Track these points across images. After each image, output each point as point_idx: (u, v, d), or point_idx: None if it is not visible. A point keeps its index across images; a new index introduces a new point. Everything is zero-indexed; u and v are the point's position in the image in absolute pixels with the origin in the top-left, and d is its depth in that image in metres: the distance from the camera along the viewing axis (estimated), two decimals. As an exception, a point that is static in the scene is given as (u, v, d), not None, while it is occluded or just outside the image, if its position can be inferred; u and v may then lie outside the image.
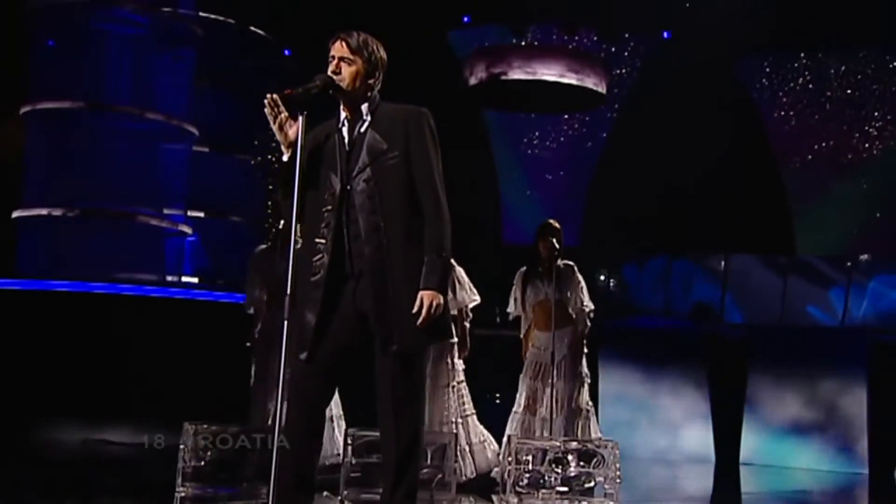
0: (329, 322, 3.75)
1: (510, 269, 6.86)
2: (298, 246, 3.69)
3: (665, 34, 14.13)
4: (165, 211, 10.59)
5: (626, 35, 14.57)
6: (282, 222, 5.90)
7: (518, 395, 6.52)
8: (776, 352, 8.89)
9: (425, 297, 3.69)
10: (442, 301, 3.70)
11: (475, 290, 6.29)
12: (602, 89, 11.98)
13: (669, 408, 8.87)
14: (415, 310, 3.67)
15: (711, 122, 13.73)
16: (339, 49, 3.85)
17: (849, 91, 14.01)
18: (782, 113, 14.47)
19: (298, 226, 3.66)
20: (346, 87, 3.82)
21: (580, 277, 6.52)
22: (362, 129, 3.87)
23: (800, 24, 13.23)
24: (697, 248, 13.49)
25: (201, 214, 11.74)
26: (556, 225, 6.55)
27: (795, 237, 14.08)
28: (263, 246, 6.35)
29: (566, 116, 15.50)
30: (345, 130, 3.89)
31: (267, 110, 3.79)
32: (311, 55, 12.48)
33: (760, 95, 14.68)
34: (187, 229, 11.07)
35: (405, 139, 3.81)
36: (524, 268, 6.61)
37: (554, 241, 6.40)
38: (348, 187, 3.81)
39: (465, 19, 13.36)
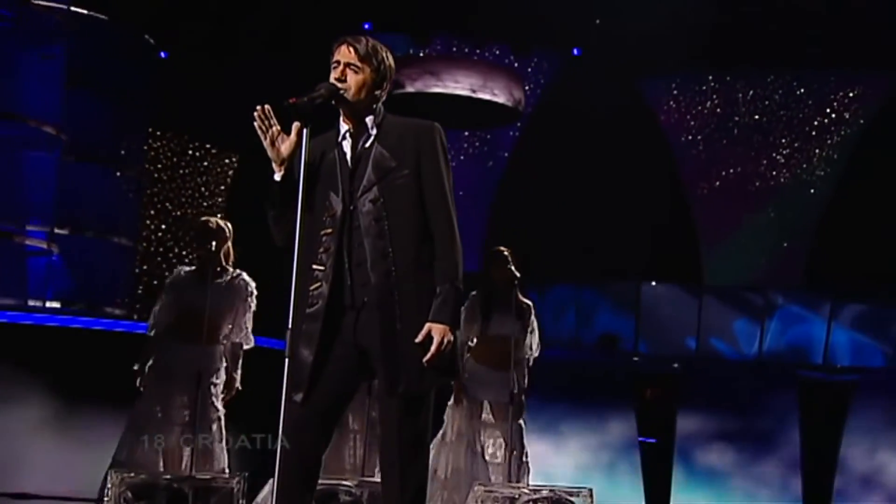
0: (327, 360, 3.53)
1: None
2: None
3: (575, 51, 13.90)
4: (29, 227, 9.79)
5: (534, 50, 14.15)
6: (214, 244, 5.69)
7: (447, 427, 6.25)
8: (701, 387, 8.76)
9: (436, 332, 3.47)
10: (452, 337, 3.50)
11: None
12: (516, 104, 11.50)
13: (593, 442, 8.59)
14: (419, 340, 3.46)
15: (619, 145, 13.62)
16: (345, 54, 3.63)
17: (756, 117, 14.06)
18: (690, 137, 14.45)
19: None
20: (352, 97, 3.60)
21: (535, 322, 6.30)
22: (367, 144, 3.65)
23: (708, 45, 13.17)
24: (604, 275, 13.34)
25: (66, 231, 10.83)
26: (506, 252, 6.26)
27: (704, 266, 14.02)
28: (188, 268, 6.01)
29: (466, 133, 15.14)
30: (346, 145, 3.66)
31: (257, 123, 3.57)
32: (191, 59, 12.40)
33: (668, 118, 14.62)
34: (53, 247, 10.17)
35: (416, 156, 3.61)
36: (476, 293, 6.26)
37: (513, 269, 6.11)
38: (351, 208, 3.58)
39: (366, 26, 12.78)
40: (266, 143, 3.59)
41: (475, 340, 6.17)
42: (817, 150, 13.85)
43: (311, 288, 3.54)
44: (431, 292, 3.52)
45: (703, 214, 14.27)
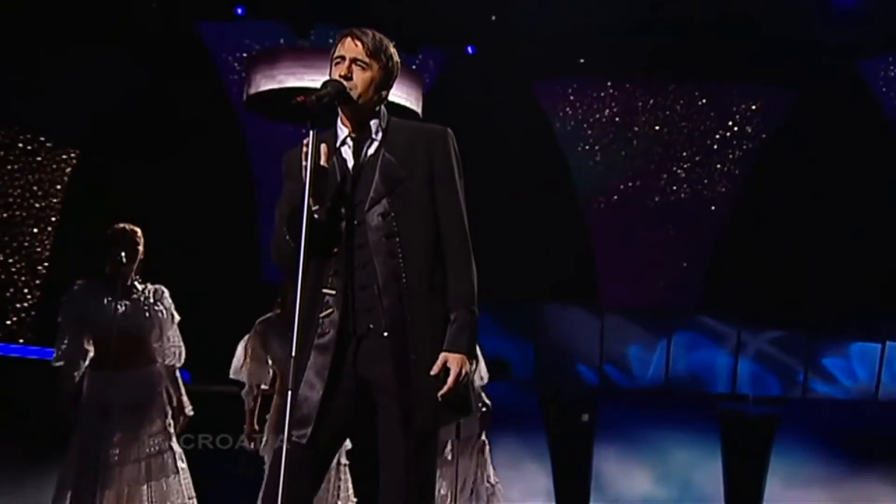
0: (332, 395, 3.36)
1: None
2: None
3: (469, 49, 13.17)
4: None
5: (422, 47, 13.32)
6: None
7: None
8: (617, 418, 8.78)
9: (452, 363, 3.34)
10: (469, 368, 3.34)
11: None
12: (414, 105, 10.67)
13: (507, 484, 8.03)
14: (434, 372, 3.31)
15: (511, 152, 13.10)
16: (351, 48, 3.48)
17: (657, 128, 13.67)
18: (587, 147, 13.95)
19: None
20: (358, 96, 3.45)
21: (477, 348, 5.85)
22: (371, 151, 3.49)
23: (607, 49, 12.77)
24: (497, 296, 12.52)
25: None
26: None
27: (600, 286, 13.60)
28: (82, 282, 5.62)
29: None
30: (346, 152, 3.50)
31: (304, 151, 3.27)
32: (25, 42, 11.18)
33: (564, 126, 14.07)
34: None
35: (427, 165, 3.46)
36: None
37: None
38: (355, 222, 3.41)
39: (239, 11, 11.71)
40: (309, 177, 3.25)
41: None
42: (718, 166, 13.59)
43: (321, 315, 3.35)
44: (445, 318, 3.38)
45: (598, 230, 13.85)
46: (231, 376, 6.10)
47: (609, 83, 13.65)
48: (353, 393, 3.38)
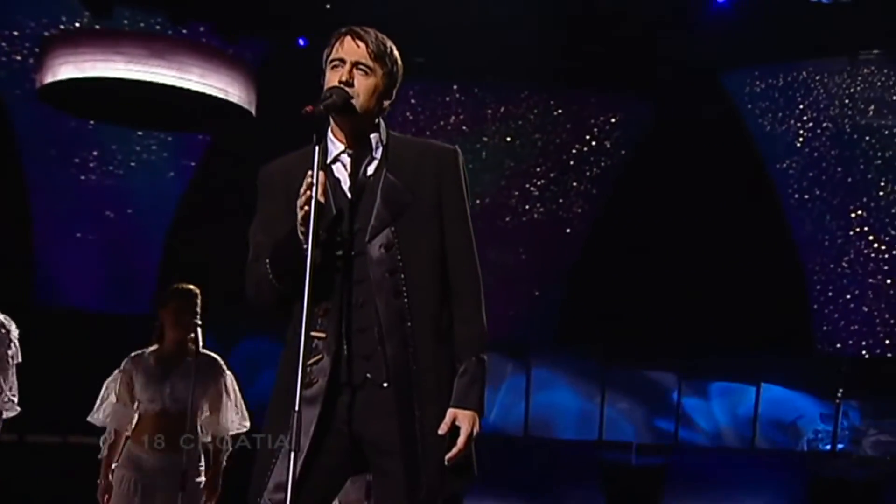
0: (318, 455, 3.09)
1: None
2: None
3: (301, 41, 12.07)
4: None
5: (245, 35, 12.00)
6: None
7: None
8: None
9: (463, 420, 3.10)
10: (479, 427, 3.13)
11: (245, 410, 5.64)
12: (247, 103, 9.47)
13: None
14: (443, 431, 3.08)
15: None
16: (352, 50, 3.19)
17: (508, 139, 12.96)
18: None
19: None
20: (360, 106, 3.16)
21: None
22: (371, 170, 3.21)
23: (454, 48, 11.95)
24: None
25: None
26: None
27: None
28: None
29: (139, 134, 13.00)
30: (340, 170, 3.22)
31: (303, 194, 3.00)
32: None
33: (405, 132, 12.67)
34: None
35: (436, 189, 3.23)
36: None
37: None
38: (352, 253, 3.15)
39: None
40: (302, 212, 2.99)
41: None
42: (575, 183, 12.99)
43: (310, 362, 3.11)
44: (452, 367, 3.18)
45: None
46: (88, 419, 5.71)
47: (455, 87, 12.91)
48: (344, 453, 3.18)
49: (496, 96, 12.92)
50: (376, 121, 3.25)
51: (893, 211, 12.11)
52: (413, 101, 13.07)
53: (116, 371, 5.65)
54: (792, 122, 12.53)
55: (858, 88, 12.25)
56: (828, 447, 11.62)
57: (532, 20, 11.43)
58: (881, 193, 12.18)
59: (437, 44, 11.69)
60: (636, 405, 11.69)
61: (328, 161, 3.20)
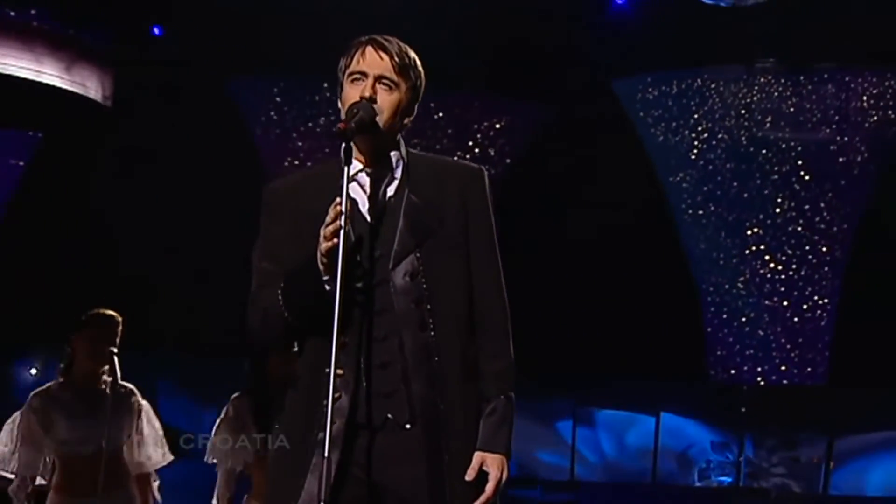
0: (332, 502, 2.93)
1: None
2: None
3: (156, 30, 11.48)
4: None
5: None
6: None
7: None
8: None
9: (492, 465, 3.02)
10: (509, 473, 3.11)
11: (165, 443, 5.52)
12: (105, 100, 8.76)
13: None
14: (471, 477, 3.01)
15: (200, 169, 11.66)
16: (374, 62, 3.08)
17: None
18: (295, 161, 12.39)
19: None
20: (383, 124, 3.05)
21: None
22: (391, 191, 3.11)
23: (325, 45, 11.05)
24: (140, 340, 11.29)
25: None
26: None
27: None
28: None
29: None
30: (358, 191, 3.08)
31: (330, 223, 2.87)
32: None
33: (266, 135, 12.48)
34: None
35: (462, 212, 3.11)
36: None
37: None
38: (374, 282, 3.03)
39: None
40: (328, 243, 2.88)
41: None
42: None
43: (325, 401, 2.91)
44: (478, 406, 3.08)
45: None
46: None
47: (326, 85, 12.16)
48: (361, 502, 3.07)
49: None
50: (397, 137, 3.16)
51: (790, 229, 11.90)
52: (278, 99, 12.39)
53: (17, 413, 5.44)
54: (686, 132, 12.23)
55: (755, 98, 12.04)
56: (721, 478, 11.27)
57: (413, 17, 10.77)
58: (778, 210, 11.95)
59: (307, 38, 11.09)
60: (529, 438, 11.35)
61: (341, 181, 3.03)
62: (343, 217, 2.83)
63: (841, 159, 11.86)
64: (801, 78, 11.91)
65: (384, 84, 3.05)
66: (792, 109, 11.89)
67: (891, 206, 11.47)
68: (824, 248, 11.88)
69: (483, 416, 3.05)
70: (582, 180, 12.22)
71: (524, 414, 11.39)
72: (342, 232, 2.83)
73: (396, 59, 3.05)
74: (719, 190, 12.05)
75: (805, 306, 11.82)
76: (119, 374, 5.31)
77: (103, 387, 5.32)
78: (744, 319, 11.92)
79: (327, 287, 2.93)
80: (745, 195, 11.98)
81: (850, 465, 11.22)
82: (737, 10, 11.00)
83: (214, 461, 5.56)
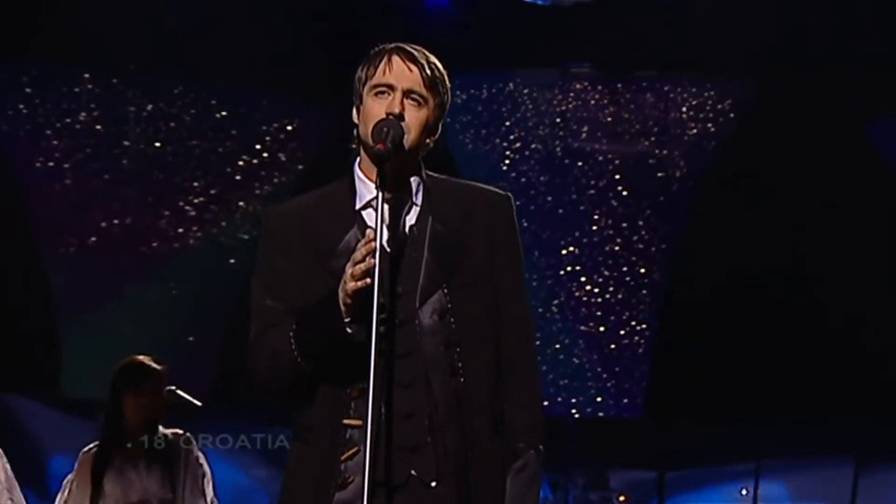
0: None
1: None
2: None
3: None
4: None
5: None
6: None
7: None
8: None
9: None
10: None
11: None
12: None
13: None
14: None
15: None
16: (403, 75, 3.04)
17: (157, 144, 11.51)
18: (50, 164, 11.31)
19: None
20: (409, 144, 3.00)
21: (205, 464, 5.77)
22: (413, 219, 3.06)
23: (72, 22, 10.66)
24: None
25: None
26: (159, 366, 5.81)
27: (63, 365, 11.44)
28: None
29: None
30: (372, 217, 2.97)
31: (361, 262, 2.80)
32: None
33: (14, 130, 11.35)
34: None
35: (489, 243, 3.08)
36: (92, 447, 5.77)
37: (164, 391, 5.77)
38: (396, 321, 2.95)
39: None
40: (356, 282, 2.80)
41: None
42: (241, 203, 11.79)
43: (344, 457, 2.94)
44: (505, 461, 3.04)
45: (59, 286, 11.46)
46: None
47: (87, 75, 11.29)
48: None
49: (142, 89, 11.52)
50: (418, 160, 3.10)
51: (607, 248, 11.59)
52: (28, 90, 11.27)
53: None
54: (497, 140, 11.78)
55: (570, 106, 11.65)
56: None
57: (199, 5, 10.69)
58: (594, 228, 11.64)
59: (67, 17, 10.48)
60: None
61: (358, 206, 3.05)
62: (377, 254, 2.73)
63: (660, 174, 11.67)
64: (619, 86, 11.65)
65: (413, 100, 3.00)
66: (609, 119, 11.61)
67: (710, 225, 11.30)
68: (642, 270, 11.64)
69: (511, 473, 2.99)
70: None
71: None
72: (376, 272, 2.73)
73: (427, 71, 3.01)
74: (533, 205, 11.65)
75: (622, 332, 11.57)
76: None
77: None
78: (557, 346, 11.57)
79: (349, 330, 2.84)
80: (560, 211, 11.64)
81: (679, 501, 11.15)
82: (555, 11, 10.83)
83: None
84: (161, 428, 5.69)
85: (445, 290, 2.95)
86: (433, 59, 3.09)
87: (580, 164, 11.62)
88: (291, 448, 3.09)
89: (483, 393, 2.97)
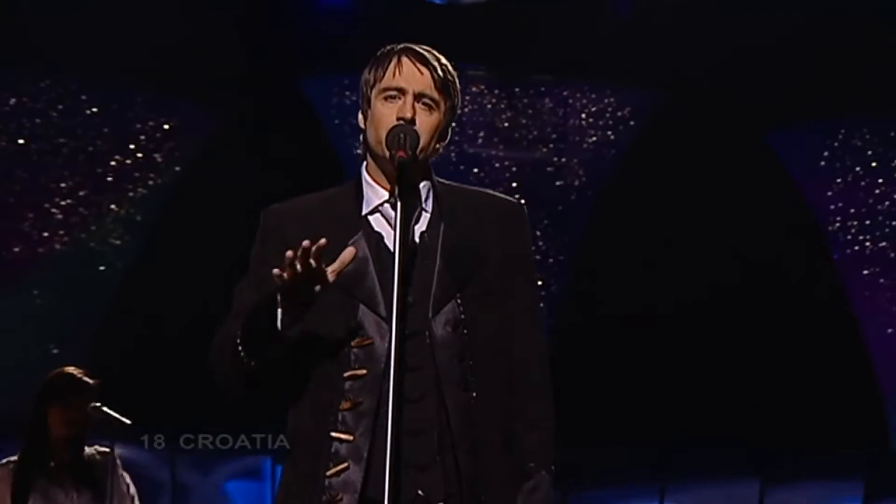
0: None
1: None
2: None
3: None
4: None
5: None
6: None
7: None
8: None
9: None
10: None
11: None
12: None
13: None
14: None
15: None
16: (414, 78, 2.99)
17: (20, 141, 11.22)
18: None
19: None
20: (420, 149, 2.97)
21: (131, 483, 5.78)
22: (423, 226, 3.02)
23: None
24: None
25: None
26: (90, 380, 5.69)
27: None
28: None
29: None
30: (382, 224, 3.00)
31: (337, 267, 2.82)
32: None
33: None
34: None
35: (501, 253, 3.05)
36: (9, 461, 5.64)
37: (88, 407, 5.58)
38: (406, 332, 2.86)
39: None
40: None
41: None
42: (113, 206, 11.51)
43: (330, 473, 2.87)
44: (516, 481, 3.00)
45: None
46: None
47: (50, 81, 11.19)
48: None
49: (4, 82, 11.21)
50: (428, 165, 3.08)
51: None
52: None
53: None
54: None
55: (467, 111, 11.36)
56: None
57: None
58: None
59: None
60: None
61: (365, 211, 3.03)
62: (397, 264, 2.75)
63: (558, 182, 11.56)
64: (517, 90, 11.54)
65: (425, 104, 2.99)
66: (506, 124, 11.50)
67: (609, 235, 11.23)
68: (539, 282, 11.40)
69: (523, 494, 2.97)
70: (267, 194, 11.11)
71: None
72: (395, 278, 2.75)
73: (439, 73, 2.99)
74: (426, 212, 11.47)
75: (519, 346, 11.37)
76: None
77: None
78: (455, 363, 11.36)
79: (279, 318, 2.81)
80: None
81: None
82: (452, 11, 10.82)
83: None
84: (87, 448, 5.63)
85: (459, 301, 2.94)
86: (444, 59, 3.05)
87: (475, 170, 11.52)
88: (284, 467, 3.12)
89: (495, 409, 2.96)
